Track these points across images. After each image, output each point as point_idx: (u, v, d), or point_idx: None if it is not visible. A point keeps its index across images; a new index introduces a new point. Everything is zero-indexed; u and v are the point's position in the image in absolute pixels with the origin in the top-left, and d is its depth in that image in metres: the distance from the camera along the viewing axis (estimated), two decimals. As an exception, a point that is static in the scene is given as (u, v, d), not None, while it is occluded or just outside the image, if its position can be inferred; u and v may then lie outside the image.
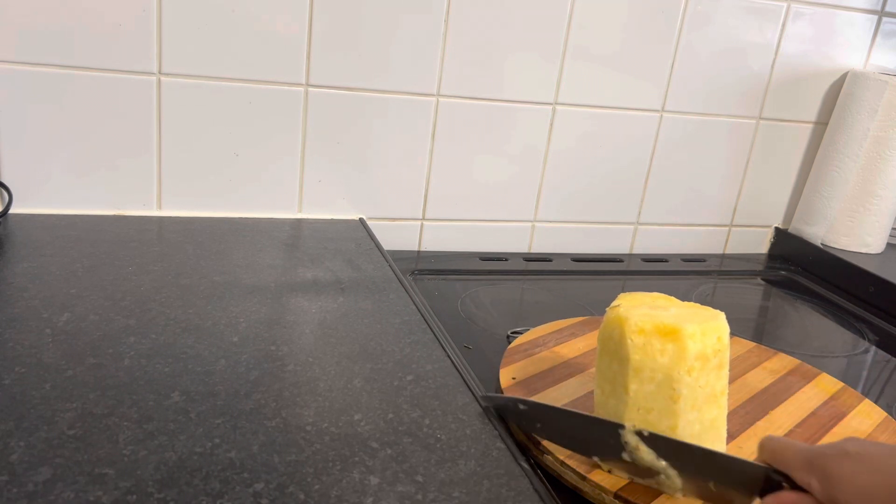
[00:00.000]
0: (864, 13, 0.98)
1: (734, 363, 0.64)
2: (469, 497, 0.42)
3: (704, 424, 0.47)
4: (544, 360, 0.61)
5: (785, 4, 0.95)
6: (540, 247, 0.97)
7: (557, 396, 0.56)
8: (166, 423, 0.45)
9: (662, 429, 0.46)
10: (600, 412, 0.49)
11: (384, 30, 0.80)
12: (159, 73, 0.76)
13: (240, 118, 0.80)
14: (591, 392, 0.57)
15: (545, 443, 0.49)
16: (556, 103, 0.90)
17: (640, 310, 0.48)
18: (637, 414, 0.46)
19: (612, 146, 0.94)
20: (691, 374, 0.45)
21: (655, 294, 0.51)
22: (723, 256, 1.06)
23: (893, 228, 1.04)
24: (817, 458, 0.38)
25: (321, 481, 0.42)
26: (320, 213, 0.86)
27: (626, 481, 0.47)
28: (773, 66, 0.97)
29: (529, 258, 0.95)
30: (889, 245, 1.05)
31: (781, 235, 1.07)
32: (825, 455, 0.38)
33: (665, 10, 0.90)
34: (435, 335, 0.61)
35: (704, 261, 1.03)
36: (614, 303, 0.49)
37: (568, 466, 0.48)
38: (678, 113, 0.96)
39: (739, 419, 0.56)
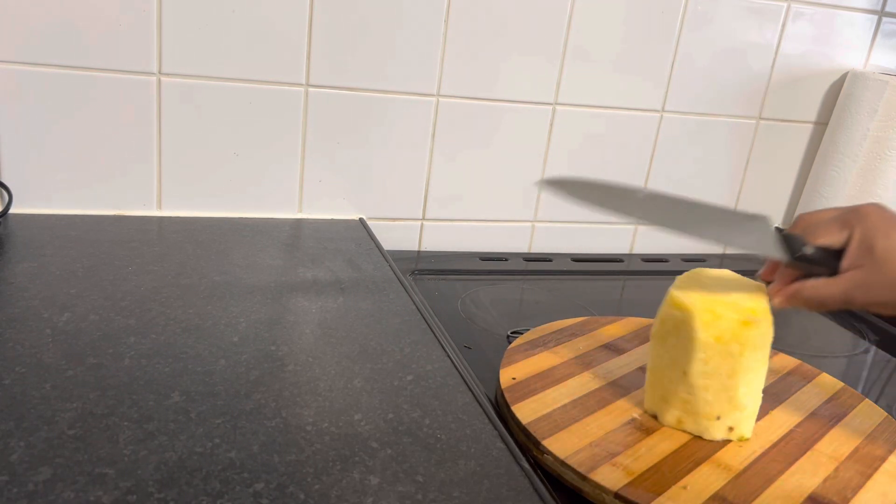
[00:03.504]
0: (864, 13, 0.98)
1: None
2: (469, 497, 0.42)
3: (753, 393, 0.53)
4: (544, 360, 0.61)
5: (785, 4, 0.95)
6: (540, 247, 0.97)
7: (557, 396, 0.56)
8: (166, 423, 0.45)
9: (721, 400, 0.52)
10: (655, 390, 0.54)
11: (384, 30, 0.80)
12: (159, 73, 0.76)
13: (240, 118, 0.80)
14: (592, 391, 0.57)
15: (545, 442, 0.49)
16: (556, 103, 0.90)
17: (702, 292, 0.53)
18: (694, 392, 0.52)
19: (612, 146, 0.94)
20: (749, 350, 0.51)
21: (708, 270, 0.56)
22: (723, 256, 1.06)
23: (893, 228, 1.04)
24: (850, 213, 0.47)
25: (321, 481, 0.42)
26: (320, 213, 0.86)
27: (627, 481, 0.47)
28: (773, 66, 0.97)
29: (529, 258, 0.95)
30: (889, 245, 1.05)
31: (781, 235, 1.07)
32: (857, 209, 0.47)
33: (665, 10, 0.90)
34: (435, 335, 0.61)
35: (704, 261, 1.03)
36: (678, 284, 0.54)
37: (568, 466, 0.48)
38: (678, 113, 0.96)
39: (739, 419, 0.56)
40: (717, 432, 0.53)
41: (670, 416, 0.53)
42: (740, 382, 0.51)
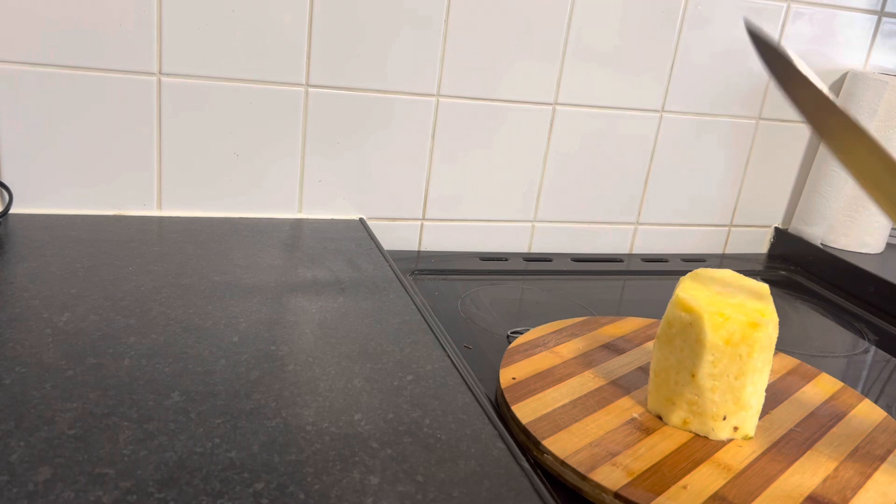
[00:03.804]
0: (864, 13, 0.98)
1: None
2: (469, 497, 0.42)
3: (758, 393, 0.53)
4: (544, 360, 0.61)
5: (785, 4, 0.95)
6: (540, 247, 0.97)
7: (557, 396, 0.56)
8: (166, 423, 0.45)
9: (727, 401, 0.52)
10: (660, 391, 0.54)
11: (384, 30, 0.80)
12: (159, 73, 0.76)
13: (240, 118, 0.80)
14: (592, 391, 0.57)
15: (545, 442, 0.50)
16: (556, 103, 0.90)
17: (708, 294, 0.53)
18: (701, 394, 0.52)
19: (612, 146, 0.94)
20: (756, 351, 0.51)
21: (711, 271, 0.57)
22: (723, 256, 1.06)
23: (893, 228, 1.04)
24: None
25: (321, 481, 0.42)
26: (320, 213, 0.86)
27: (627, 481, 0.47)
28: (773, 66, 0.97)
29: (529, 258, 0.95)
30: (889, 245, 1.05)
31: (781, 235, 1.07)
32: None
33: (665, 10, 0.90)
34: (435, 335, 0.61)
35: (704, 261, 1.03)
36: (683, 286, 0.54)
37: (568, 466, 0.48)
38: (678, 113, 0.96)
39: (739, 419, 0.56)
40: (722, 432, 0.53)
41: (676, 418, 0.53)
42: (747, 383, 0.52)
